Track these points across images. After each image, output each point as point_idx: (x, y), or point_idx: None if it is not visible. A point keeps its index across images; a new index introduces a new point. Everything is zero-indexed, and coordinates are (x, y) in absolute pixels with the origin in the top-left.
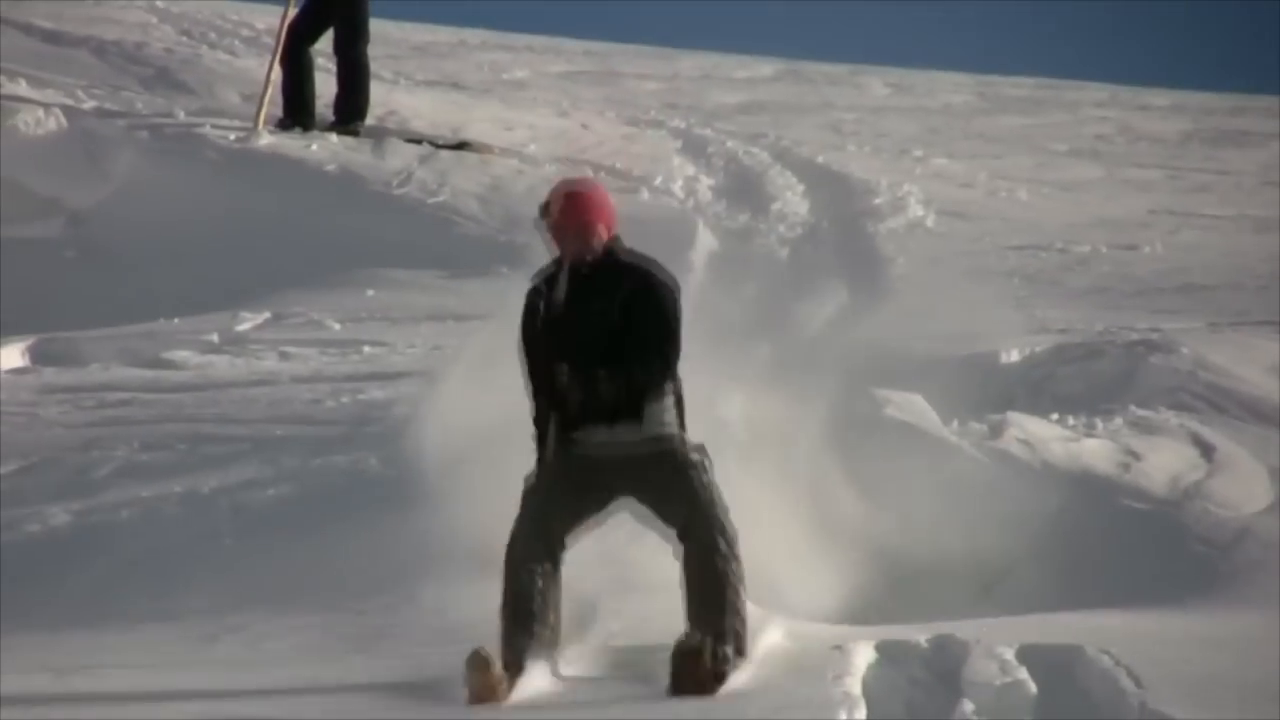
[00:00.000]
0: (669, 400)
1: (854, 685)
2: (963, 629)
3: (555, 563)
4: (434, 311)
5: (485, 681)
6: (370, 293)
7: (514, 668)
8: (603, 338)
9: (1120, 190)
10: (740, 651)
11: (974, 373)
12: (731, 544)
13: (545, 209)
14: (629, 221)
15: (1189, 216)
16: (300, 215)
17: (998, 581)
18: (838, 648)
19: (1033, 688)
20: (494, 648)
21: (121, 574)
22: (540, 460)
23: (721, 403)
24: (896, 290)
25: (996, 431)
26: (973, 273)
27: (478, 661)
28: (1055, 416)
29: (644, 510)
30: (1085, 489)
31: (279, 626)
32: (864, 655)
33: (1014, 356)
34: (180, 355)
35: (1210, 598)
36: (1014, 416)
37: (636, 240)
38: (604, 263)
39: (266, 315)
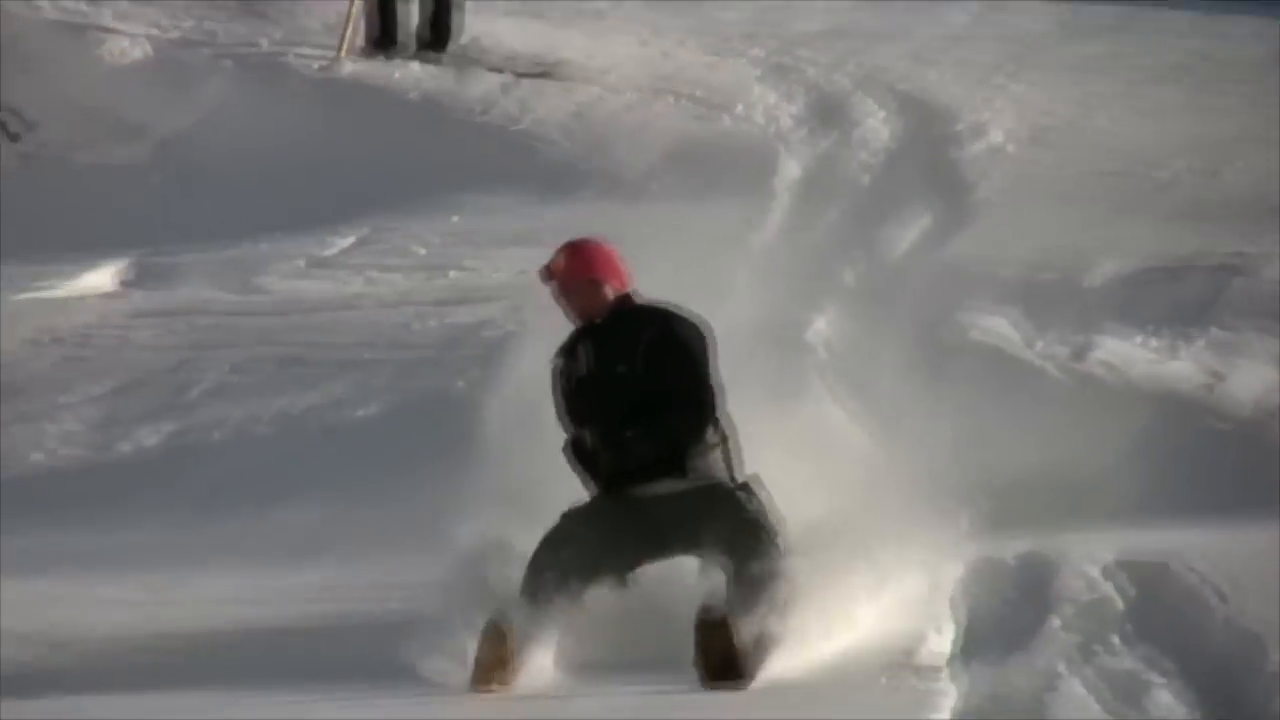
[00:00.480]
0: (715, 451)
1: (942, 604)
2: (1050, 547)
3: (579, 586)
4: (520, 236)
5: (496, 655)
6: (456, 218)
7: (526, 643)
8: (632, 396)
9: (1204, 115)
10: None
11: (1058, 296)
12: (782, 552)
13: (547, 271)
14: (712, 149)
15: (1272, 142)
16: (384, 142)
17: (1084, 500)
18: (926, 568)
19: (1120, 603)
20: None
21: (214, 493)
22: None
23: (805, 328)
24: (979, 215)
25: (1081, 353)
26: (1056, 197)
27: (493, 634)
28: (1139, 338)
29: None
30: (1170, 409)
31: (369, 546)
32: (952, 574)
33: (1098, 279)
34: (269, 279)
35: None
36: (1099, 339)
37: (719, 170)
38: (620, 318)
39: (353, 239)
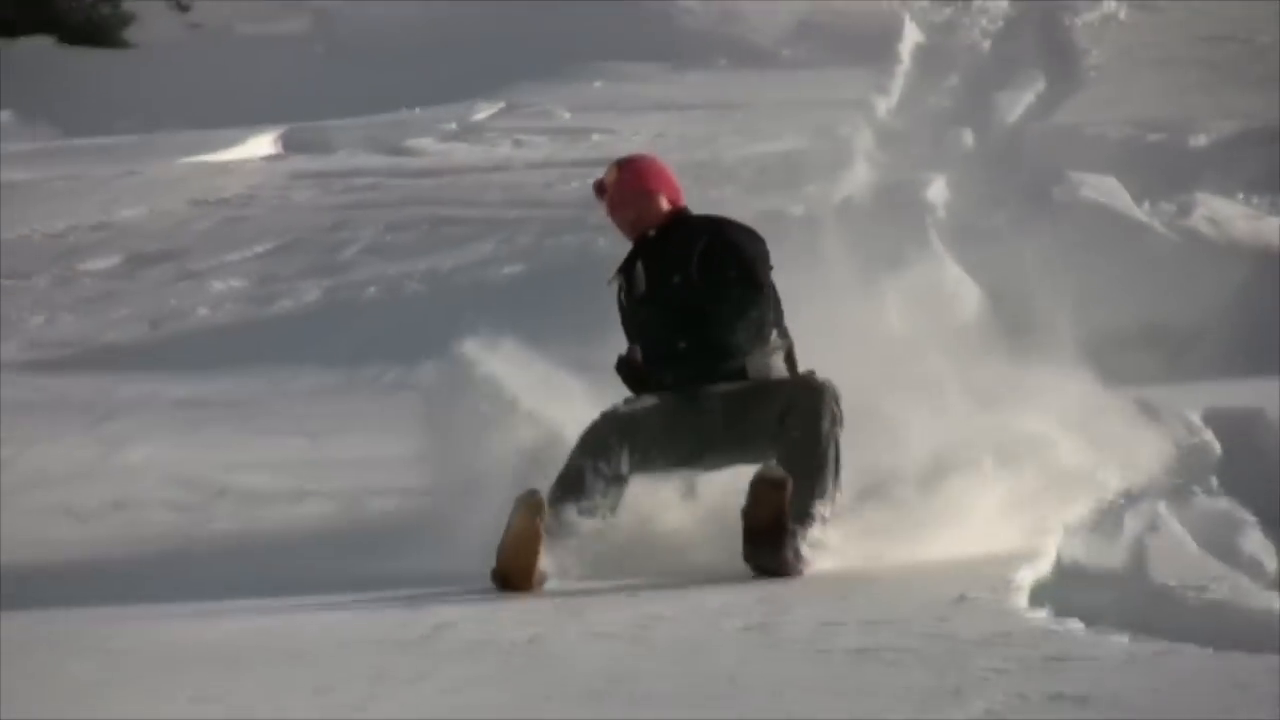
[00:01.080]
0: (778, 355)
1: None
2: (1151, 394)
3: (623, 472)
4: (658, 102)
5: (528, 528)
6: (597, 84)
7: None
8: (688, 306)
9: None
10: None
11: (1164, 156)
12: (841, 429)
13: (600, 184)
14: (839, 17)
15: None
16: (526, 12)
17: (1184, 350)
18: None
19: (1217, 448)
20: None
21: (368, 345)
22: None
23: (925, 188)
24: (1091, 79)
25: (1185, 211)
26: (1163, 62)
27: (530, 501)
28: (1241, 196)
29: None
30: (1268, 263)
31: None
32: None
33: (1201, 140)
34: (421, 143)
35: None
36: (1201, 197)
37: (846, 38)
38: (673, 230)
39: (500, 105)
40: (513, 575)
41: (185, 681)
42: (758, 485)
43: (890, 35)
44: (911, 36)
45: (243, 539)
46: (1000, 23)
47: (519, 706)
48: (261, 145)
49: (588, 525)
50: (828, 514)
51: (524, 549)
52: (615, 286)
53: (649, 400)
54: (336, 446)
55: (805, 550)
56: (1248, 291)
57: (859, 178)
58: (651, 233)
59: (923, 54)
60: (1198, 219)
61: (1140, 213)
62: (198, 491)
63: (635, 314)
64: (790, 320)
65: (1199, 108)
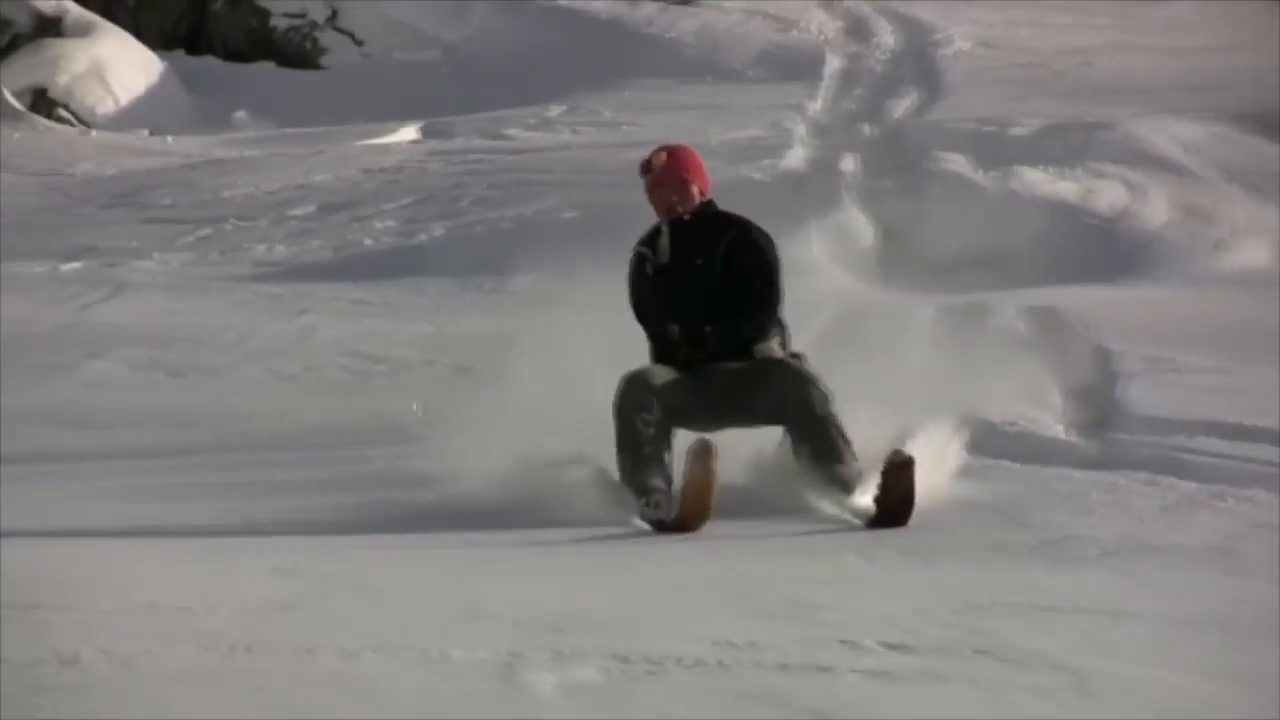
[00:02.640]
0: (775, 340)
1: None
2: (984, 298)
3: (666, 420)
4: (666, 105)
5: (706, 474)
6: (628, 93)
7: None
8: (707, 289)
9: (1083, 30)
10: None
11: (994, 141)
12: (833, 405)
13: (647, 165)
14: (785, 50)
15: (1129, 46)
16: (583, 46)
17: (1007, 268)
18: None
19: (1025, 331)
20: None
21: (476, 264)
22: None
23: (840, 162)
24: (948, 93)
25: (1007, 177)
26: (994, 80)
27: (704, 450)
28: (1043, 168)
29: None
30: (1061, 210)
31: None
32: (924, 316)
33: (1019, 131)
34: (512, 131)
35: (1135, 277)
36: (1018, 168)
37: (789, 63)
38: (702, 217)
39: (565, 108)
40: (691, 519)
41: None
42: (894, 470)
43: (818, 62)
44: (833, 63)
45: (392, 391)
46: (890, 54)
47: None
48: (408, 133)
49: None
50: (855, 470)
51: (703, 494)
52: (635, 255)
53: (661, 369)
54: (455, 329)
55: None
56: (1048, 229)
57: (797, 155)
58: (686, 216)
59: (840, 74)
60: (1016, 182)
61: (979, 178)
62: (364, 360)
63: (655, 285)
64: None
65: (1017, 110)
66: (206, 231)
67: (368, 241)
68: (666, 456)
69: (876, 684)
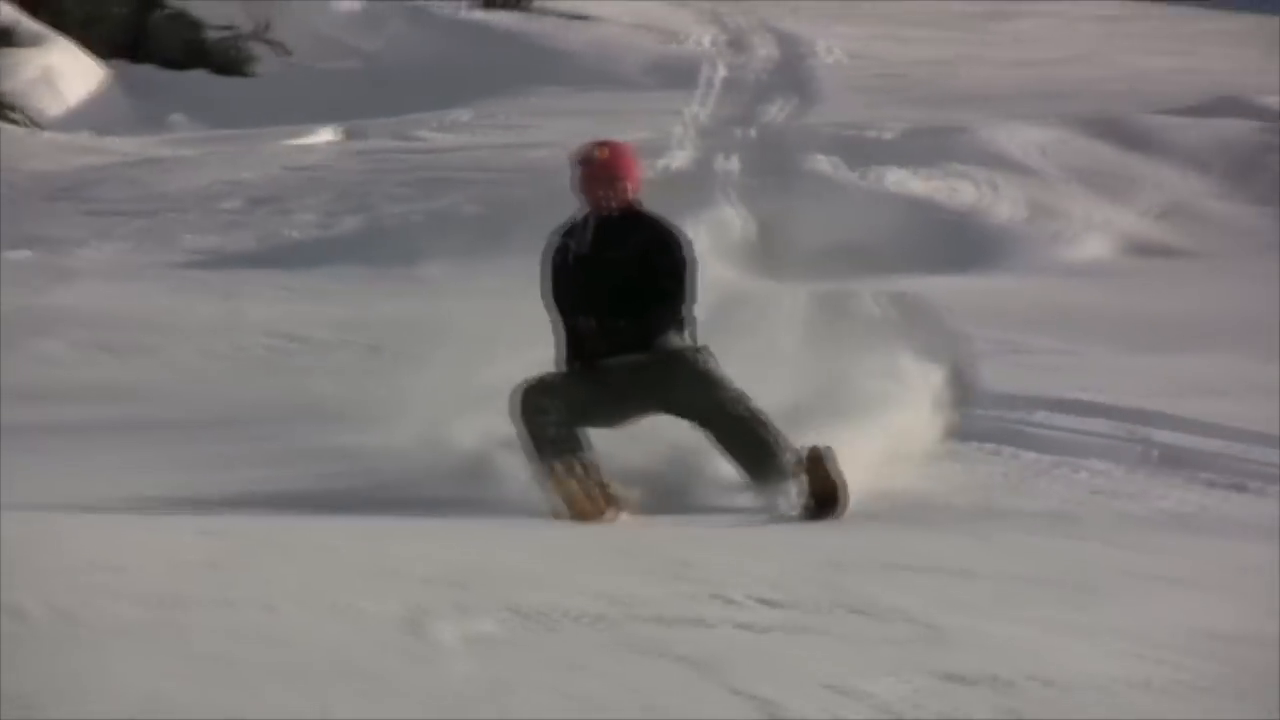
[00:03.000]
0: (679, 335)
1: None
2: (850, 284)
3: (570, 420)
4: (564, 111)
5: (573, 492)
6: (532, 99)
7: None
8: (618, 284)
9: (939, 43)
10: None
11: (860, 144)
12: (748, 401)
13: (585, 156)
14: (672, 61)
15: (980, 59)
16: (488, 56)
17: (870, 258)
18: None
19: (883, 315)
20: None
21: (391, 256)
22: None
23: (720, 163)
24: (818, 99)
25: (871, 176)
26: (859, 90)
27: (560, 470)
28: (903, 168)
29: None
30: (920, 207)
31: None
32: (800, 300)
33: (884, 136)
34: (422, 133)
35: (986, 267)
36: (881, 168)
37: (676, 73)
38: (626, 216)
39: (470, 112)
40: (587, 519)
41: None
42: (814, 465)
43: (702, 72)
44: (718, 72)
45: (311, 369)
46: (768, 66)
47: None
48: (328, 135)
49: (589, 458)
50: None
51: (588, 505)
52: (551, 243)
53: (557, 373)
54: (368, 312)
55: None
56: (908, 224)
57: (682, 156)
58: (614, 213)
59: (724, 83)
60: (878, 181)
61: (845, 177)
62: (286, 340)
63: (571, 272)
64: None
65: (880, 115)
66: (144, 223)
67: (290, 233)
68: (580, 453)
69: (747, 635)
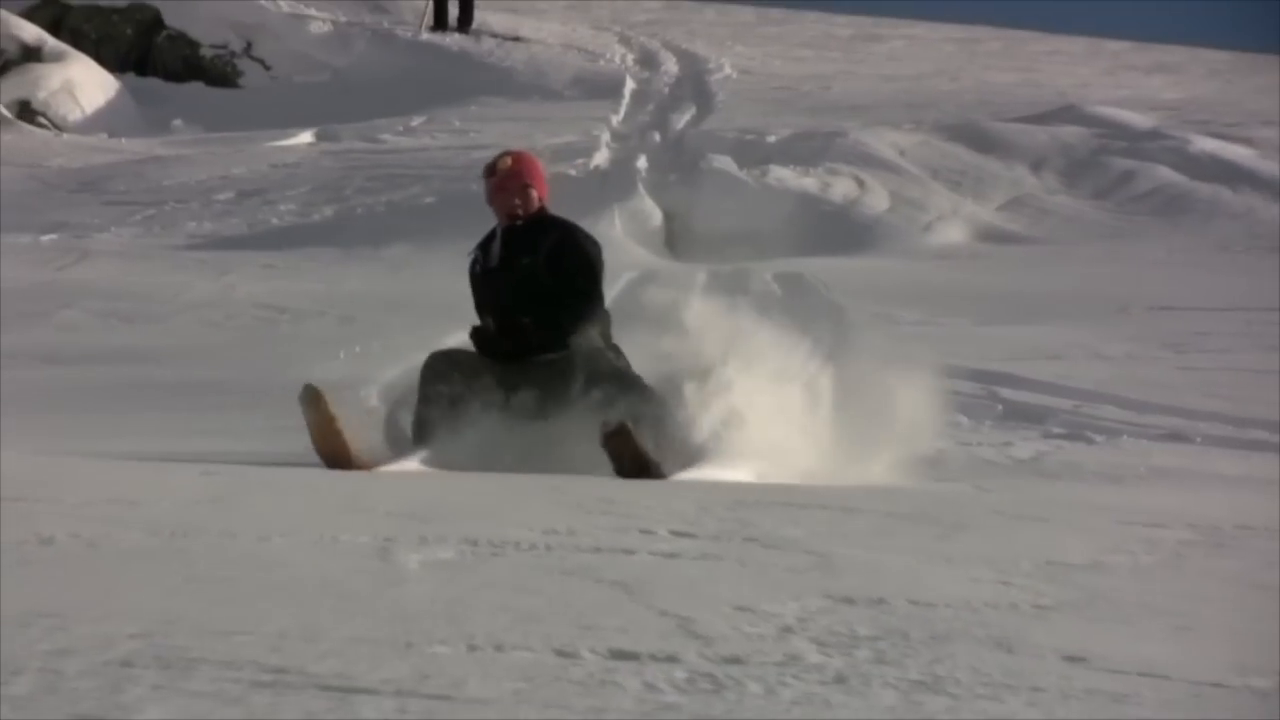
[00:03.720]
0: (594, 331)
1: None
2: (745, 267)
3: (458, 389)
4: (504, 117)
5: (319, 417)
6: (473, 108)
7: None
8: (531, 288)
9: (821, 61)
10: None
11: (754, 147)
12: (650, 407)
13: (492, 167)
14: (593, 75)
15: (856, 74)
16: (440, 72)
17: (764, 247)
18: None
19: (780, 293)
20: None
21: (357, 240)
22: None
23: (635, 163)
24: (717, 109)
25: (764, 174)
26: (753, 101)
27: (308, 397)
28: (791, 167)
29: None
30: (805, 200)
31: (438, 271)
32: (699, 283)
33: (772, 139)
34: (385, 136)
35: (862, 251)
36: (773, 167)
37: (597, 85)
38: (535, 222)
39: (425, 118)
40: (332, 459)
41: None
42: (609, 442)
43: (620, 85)
44: (629, 86)
45: (293, 335)
46: (673, 80)
47: None
48: (305, 137)
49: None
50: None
51: (327, 436)
52: (471, 258)
53: (472, 353)
54: (341, 287)
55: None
56: (795, 214)
57: (602, 156)
58: (520, 222)
59: (636, 95)
60: (769, 178)
61: (741, 174)
62: (271, 311)
63: (485, 283)
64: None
65: (770, 122)
66: (151, 211)
67: (274, 220)
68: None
69: (666, 562)
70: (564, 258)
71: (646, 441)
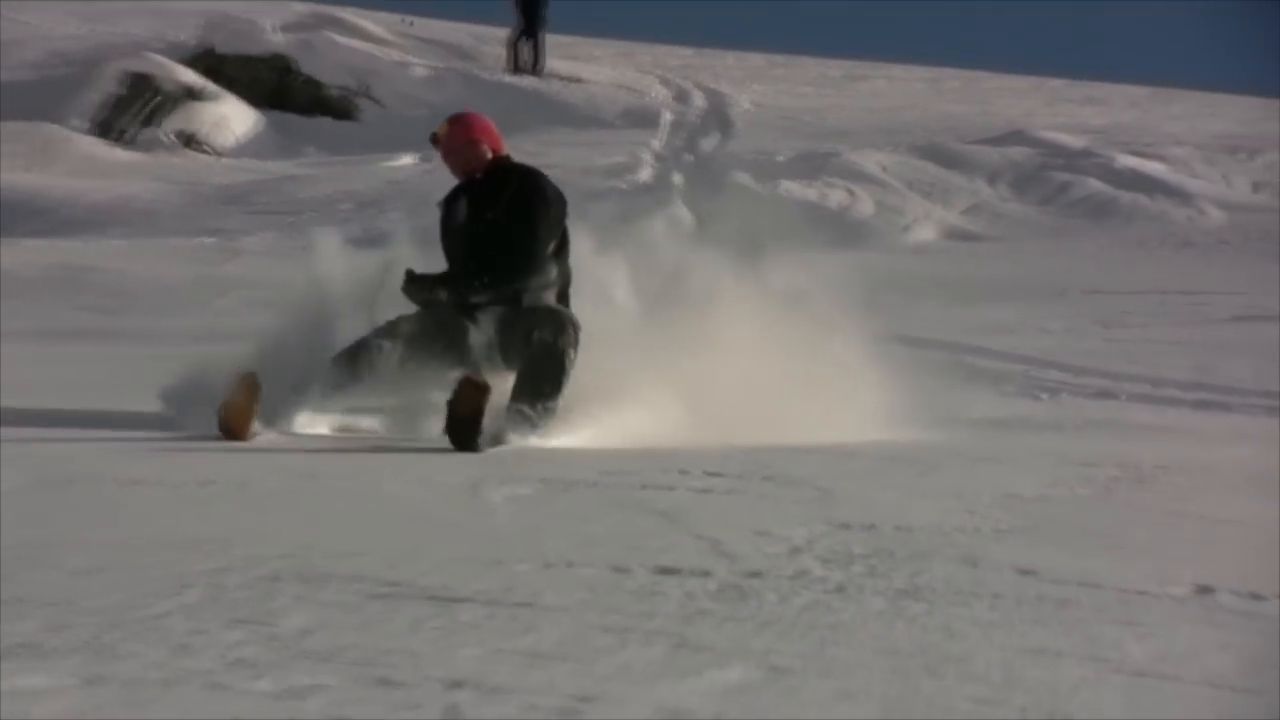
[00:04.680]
0: (551, 290)
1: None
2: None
3: (404, 356)
4: (569, 142)
5: (240, 406)
6: (543, 135)
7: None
8: (494, 240)
9: (818, 97)
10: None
11: (767, 166)
12: (571, 342)
13: (434, 137)
14: (638, 108)
15: (845, 106)
16: (516, 106)
17: (775, 242)
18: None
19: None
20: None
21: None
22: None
23: (671, 178)
24: (737, 135)
25: (776, 186)
26: (766, 128)
27: (245, 381)
28: (796, 180)
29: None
30: (808, 208)
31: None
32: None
33: (781, 160)
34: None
35: (853, 248)
36: (784, 181)
37: (641, 115)
38: (495, 171)
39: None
40: (232, 430)
41: None
42: (464, 385)
43: (659, 116)
44: (666, 117)
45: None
46: (701, 112)
47: None
48: (409, 159)
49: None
50: (544, 410)
51: (240, 416)
52: (440, 213)
53: (415, 315)
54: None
55: (513, 436)
56: (801, 220)
57: (647, 173)
58: (479, 175)
59: (673, 125)
60: (780, 189)
61: (756, 187)
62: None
63: (453, 241)
64: (604, 238)
65: (780, 146)
66: (287, 219)
67: (385, 225)
68: (360, 376)
69: (700, 496)
70: (523, 210)
71: (486, 413)
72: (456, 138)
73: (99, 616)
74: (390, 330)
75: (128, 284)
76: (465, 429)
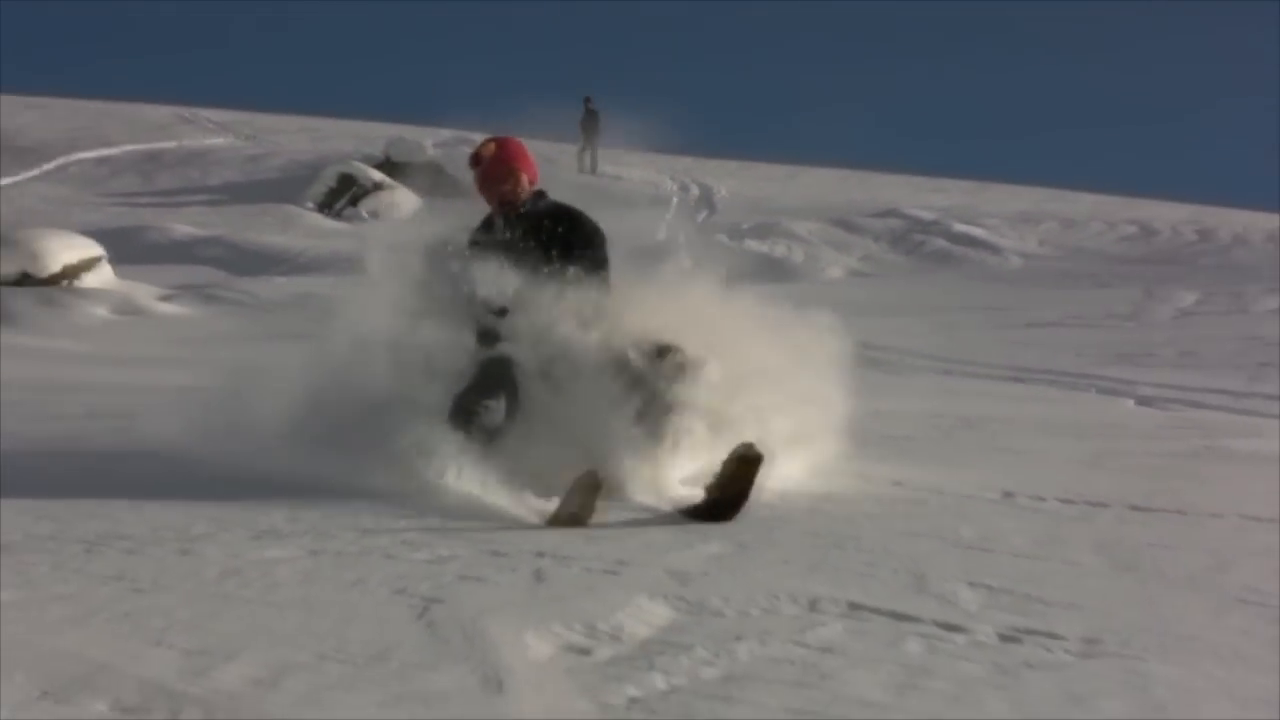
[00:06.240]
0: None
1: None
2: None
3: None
4: (613, 216)
5: (586, 503)
6: (598, 213)
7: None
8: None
9: (769, 185)
10: None
11: (736, 230)
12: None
13: (476, 157)
14: (656, 199)
15: (786, 194)
16: (580, 193)
17: (740, 280)
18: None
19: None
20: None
21: None
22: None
23: (678, 241)
24: (717, 211)
25: (742, 243)
26: (736, 207)
27: (590, 481)
28: (755, 239)
29: None
30: (762, 257)
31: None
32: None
33: (745, 226)
34: None
35: (789, 281)
36: (746, 240)
37: (657, 203)
38: (534, 207)
39: None
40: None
41: None
42: (738, 463)
43: (670, 199)
44: (675, 200)
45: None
46: (696, 197)
47: None
48: None
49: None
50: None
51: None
52: (470, 240)
53: (499, 361)
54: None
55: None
56: (756, 263)
57: (662, 234)
58: (522, 208)
59: (679, 205)
60: (744, 245)
61: (730, 244)
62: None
63: (495, 255)
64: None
65: (744, 219)
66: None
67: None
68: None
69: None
70: (572, 249)
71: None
72: (503, 163)
73: (318, 512)
74: (487, 387)
75: (334, 305)
76: (735, 507)
